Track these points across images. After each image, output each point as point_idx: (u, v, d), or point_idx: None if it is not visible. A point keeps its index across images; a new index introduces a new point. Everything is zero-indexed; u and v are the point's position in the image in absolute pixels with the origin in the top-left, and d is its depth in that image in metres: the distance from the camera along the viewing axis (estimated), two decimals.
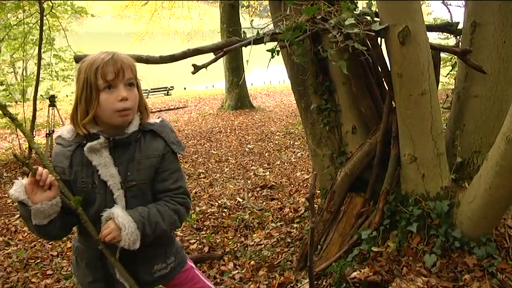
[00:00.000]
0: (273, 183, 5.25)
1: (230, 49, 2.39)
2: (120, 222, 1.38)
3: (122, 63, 1.39)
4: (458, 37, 2.78)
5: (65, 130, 1.48)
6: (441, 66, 2.82)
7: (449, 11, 3.11)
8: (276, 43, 2.46)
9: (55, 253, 3.71)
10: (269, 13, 3.19)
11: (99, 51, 1.42)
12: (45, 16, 7.38)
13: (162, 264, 1.61)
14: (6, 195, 5.86)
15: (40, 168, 1.33)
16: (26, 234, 4.21)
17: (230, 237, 3.74)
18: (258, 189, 5.13)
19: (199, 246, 3.55)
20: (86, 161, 1.43)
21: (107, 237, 1.39)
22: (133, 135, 1.46)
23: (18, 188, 1.33)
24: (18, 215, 4.65)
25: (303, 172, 5.69)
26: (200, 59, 2.40)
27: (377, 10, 2.37)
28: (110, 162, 1.43)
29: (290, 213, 4.07)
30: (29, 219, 1.36)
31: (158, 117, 1.59)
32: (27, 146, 7.34)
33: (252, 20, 2.63)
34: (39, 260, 3.61)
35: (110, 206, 1.43)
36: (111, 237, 1.38)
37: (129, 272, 1.51)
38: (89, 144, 1.41)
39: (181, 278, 1.69)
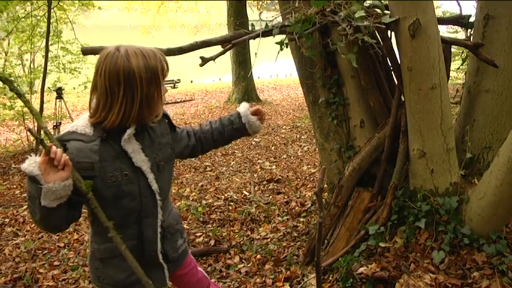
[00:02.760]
0: (280, 177, 5.23)
1: (238, 41, 2.37)
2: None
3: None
4: (469, 30, 2.73)
5: (80, 126, 1.41)
6: (451, 60, 2.78)
7: (458, 4, 3.05)
8: (284, 36, 2.43)
9: (62, 244, 3.74)
10: (277, 6, 3.16)
11: (121, 47, 1.37)
12: (53, 9, 7.38)
13: (181, 239, 1.71)
14: (15, 186, 5.91)
15: (54, 147, 1.27)
16: (33, 225, 4.24)
17: (236, 230, 3.74)
18: (264, 182, 5.12)
19: (206, 240, 3.55)
20: (114, 153, 1.42)
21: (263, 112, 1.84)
22: None
23: (33, 162, 1.26)
24: (26, 206, 4.68)
25: (309, 166, 5.67)
26: (207, 52, 2.38)
27: (387, 2, 2.34)
28: (139, 148, 1.47)
29: (297, 207, 4.06)
30: (37, 199, 1.28)
31: None
32: (34, 138, 7.38)
33: (261, 13, 2.60)
34: (46, 251, 3.64)
35: (144, 192, 1.48)
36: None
37: (161, 254, 1.58)
38: (128, 131, 1.41)
39: (187, 261, 1.76)
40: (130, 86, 1.34)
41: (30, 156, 1.30)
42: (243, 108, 1.83)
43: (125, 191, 1.44)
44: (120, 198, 1.44)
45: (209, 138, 1.81)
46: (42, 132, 1.30)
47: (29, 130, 1.34)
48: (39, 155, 1.29)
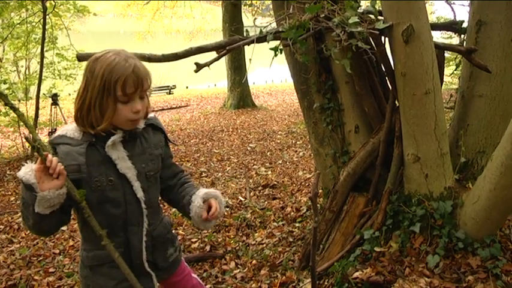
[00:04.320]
0: (275, 183, 5.23)
1: (233, 47, 2.38)
2: (222, 200, 1.62)
3: (142, 76, 1.40)
4: (462, 36, 2.76)
5: (70, 130, 1.44)
6: (445, 65, 2.80)
7: (452, 10, 3.09)
8: (278, 42, 2.45)
9: (57, 251, 3.71)
10: (271, 12, 3.18)
11: (110, 51, 1.40)
12: (48, 15, 7.39)
13: (171, 248, 1.68)
14: (10, 193, 5.87)
15: (50, 155, 1.28)
16: (28, 232, 4.22)
17: (232, 236, 3.73)
18: (259, 188, 5.12)
19: (201, 245, 3.54)
20: (100, 158, 1.43)
21: (216, 213, 1.56)
22: (142, 130, 1.54)
23: (29, 171, 1.28)
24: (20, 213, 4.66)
25: (305, 171, 5.68)
26: (203, 58, 2.39)
27: (381, 8, 2.36)
28: (125, 155, 1.47)
29: (292, 213, 4.06)
30: (31, 206, 1.31)
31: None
32: (30, 146, 7.37)
33: (255, 19, 2.62)
34: (41, 258, 3.61)
35: (129, 199, 1.48)
36: (217, 213, 1.57)
37: (149, 262, 1.57)
38: (112, 138, 1.42)
39: (180, 268, 1.74)
40: (86, 85, 1.39)
41: (26, 163, 1.31)
42: (199, 196, 1.60)
43: (109, 196, 1.44)
44: (105, 203, 1.44)
45: (175, 196, 1.70)
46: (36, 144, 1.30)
47: (26, 138, 1.35)
48: (35, 163, 1.30)
